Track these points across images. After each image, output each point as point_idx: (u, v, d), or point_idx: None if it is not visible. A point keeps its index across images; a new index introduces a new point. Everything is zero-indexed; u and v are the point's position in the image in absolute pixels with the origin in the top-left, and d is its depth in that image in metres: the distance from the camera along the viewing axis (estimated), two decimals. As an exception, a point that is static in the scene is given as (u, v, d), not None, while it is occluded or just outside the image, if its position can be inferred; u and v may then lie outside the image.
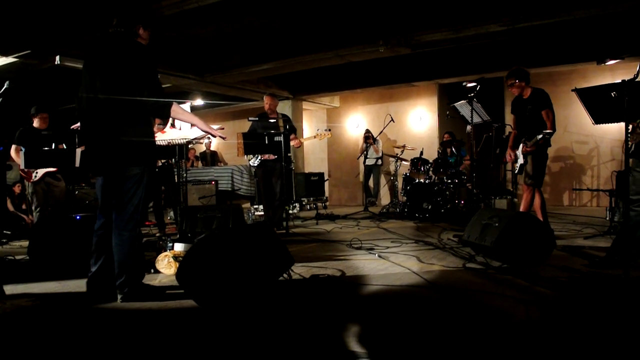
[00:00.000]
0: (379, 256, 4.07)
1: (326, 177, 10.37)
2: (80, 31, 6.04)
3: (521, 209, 4.85)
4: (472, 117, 5.80)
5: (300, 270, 3.53)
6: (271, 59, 7.93)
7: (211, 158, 10.45)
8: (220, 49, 7.84)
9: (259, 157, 6.00)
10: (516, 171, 4.90)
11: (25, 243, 4.62)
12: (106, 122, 2.74)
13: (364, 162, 9.05)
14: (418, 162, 7.58)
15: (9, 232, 6.14)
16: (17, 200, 7.35)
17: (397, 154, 8.60)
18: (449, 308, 2.60)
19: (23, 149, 5.33)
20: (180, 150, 5.10)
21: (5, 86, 2.97)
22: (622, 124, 3.30)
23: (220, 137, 3.29)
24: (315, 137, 6.40)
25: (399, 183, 8.62)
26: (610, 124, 3.15)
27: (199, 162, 10.52)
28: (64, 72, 6.81)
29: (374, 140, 9.26)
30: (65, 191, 5.95)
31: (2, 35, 5.97)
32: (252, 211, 7.54)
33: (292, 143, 6.03)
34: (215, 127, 3.73)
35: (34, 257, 3.82)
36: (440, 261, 3.82)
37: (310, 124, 12.09)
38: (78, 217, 3.98)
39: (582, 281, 3.06)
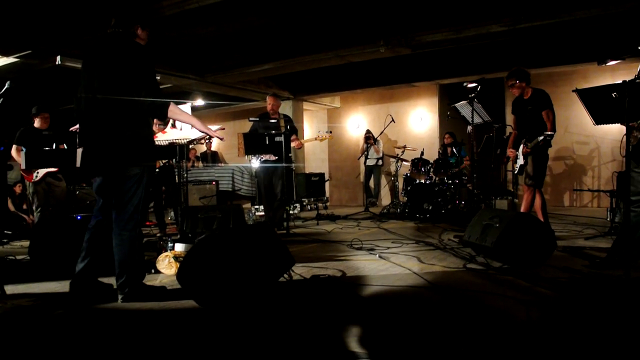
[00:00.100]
0: (380, 257, 4.07)
1: (327, 177, 10.38)
2: (81, 31, 6.04)
3: (522, 209, 4.85)
4: (472, 117, 5.80)
5: (300, 270, 3.53)
6: (272, 59, 7.93)
7: (212, 158, 10.46)
8: (220, 49, 7.85)
9: (260, 158, 6.00)
10: (516, 172, 4.90)
11: (26, 243, 4.63)
12: (104, 122, 2.75)
13: (365, 162, 9.05)
14: (419, 163, 7.58)
15: (9, 232, 6.15)
16: (18, 200, 7.36)
17: (397, 155, 8.60)
18: (449, 309, 2.60)
19: (24, 149, 5.34)
20: (181, 150, 5.10)
21: (6, 86, 2.97)
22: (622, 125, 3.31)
23: (217, 137, 3.30)
24: (316, 139, 6.40)
25: (400, 183, 8.62)
26: (611, 125, 3.15)
27: (200, 162, 10.53)
28: (64, 72, 6.81)
29: (375, 140, 9.26)
30: (66, 191, 5.95)
31: (2, 35, 5.97)
32: (253, 211, 7.54)
33: (292, 144, 6.03)
34: (215, 127, 3.74)
35: (35, 257, 3.82)
36: (440, 262, 3.82)
37: (311, 125, 12.09)
38: (79, 217, 3.99)
39: (583, 282, 3.06)
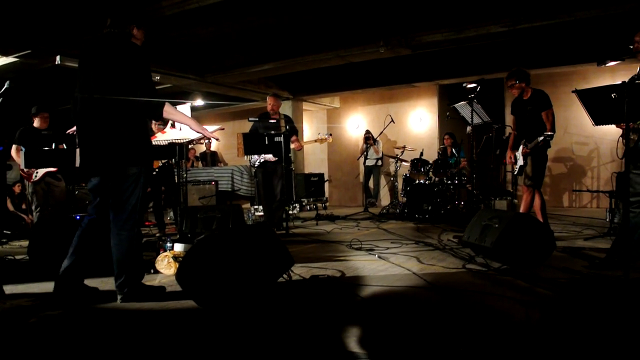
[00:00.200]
0: (379, 257, 4.07)
1: (326, 177, 10.38)
2: (81, 31, 6.04)
3: (521, 210, 4.85)
4: (472, 118, 5.81)
5: (300, 270, 3.52)
6: (272, 59, 7.93)
7: (211, 158, 10.45)
8: (220, 49, 7.85)
9: (260, 158, 5.99)
10: (515, 172, 4.90)
11: (25, 243, 4.62)
12: (101, 123, 2.75)
13: (364, 162, 9.05)
14: (418, 163, 7.58)
15: (9, 232, 6.14)
16: (17, 200, 7.35)
17: (397, 155, 8.60)
18: (449, 309, 2.60)
19: (23, 149, 5.33)
20: (180, 150, 5.11)
21: (5, 86, 2.97)
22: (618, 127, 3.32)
23: (213, 138, 3.31)
24: (316, 141, 6.38)
25: (399, 184, 8.62)
26: (610, 125, 3.15)
27: (199, 162, 10.52)
28: (64, 72, 6.81)
29: (374, 141, 9.26)
30: (65, 191, 5.95)
31: (2, 35, 5.97)
32: (252, 212, 7.54)
33: (292, 146, 6.02)
34: (215, 127, 3.74)
35: (34, 257, 3.82)
36: (440, 262, 3.82)
37: (311, 125, 12.09)
38: (78, 217, 3.98)
39: (582, 282, 3.06)
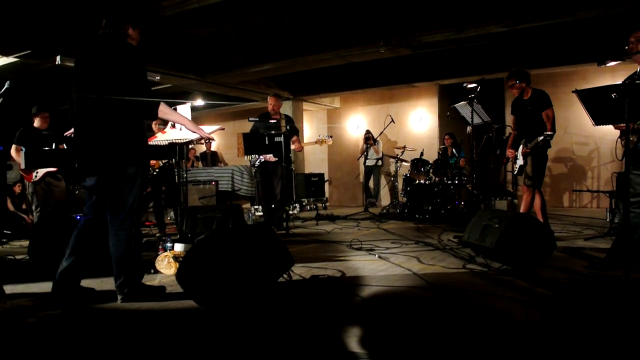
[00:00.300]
0: (379, 257, 4.07)
1: (326, 177, 10.37)
2: (81, 31, 6.04)
3: (521, 210, 4.85)
4: (472, 118, 5.80)
5: (300, 270, 3.52)
6: (272, 60, 7.93)
7: (211, 158, 10.46)
8: (221, 49, 7.85)
9: (260, 158, 5.99)
10: (515, 172, 4.89)
11: (26, 243, 4.62)
12: (97, 123, 2.75)
13: (364, 162, 9.05)
14: (418, 163, 7.58)
15: (9, 232, 6.14)
16: (18, 200, 7.36)
17: (397, 155, 8.60)
18: (449, 309, 2.60)
19: (23, 149, 5.33)
20: (180, 150, 5.10)
21: (5, 86, 2.97)
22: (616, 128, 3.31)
23: (209, 138, 3.31)
24: (316, 142, 6.38)
25: (399, 184, 8.62)
26: (610, 125, 3.15)
27: (200, 162, 10.53)
28: (64, 72, 6.81)
29: (375, 141, 9.26)
30: (65, 191, 5.95)
31: (2, 35, 5.97)
32: (252, 212, 7.54)
33: (293, 147, 6.01)
34: (215, 127, 3.74)
35: (34, 257, 3.82)
36: (440, 262, 3.82)
37: (311, 125, 12.09)
38: (78, 217, 3.98)
39: (582, 282, 3.06)
